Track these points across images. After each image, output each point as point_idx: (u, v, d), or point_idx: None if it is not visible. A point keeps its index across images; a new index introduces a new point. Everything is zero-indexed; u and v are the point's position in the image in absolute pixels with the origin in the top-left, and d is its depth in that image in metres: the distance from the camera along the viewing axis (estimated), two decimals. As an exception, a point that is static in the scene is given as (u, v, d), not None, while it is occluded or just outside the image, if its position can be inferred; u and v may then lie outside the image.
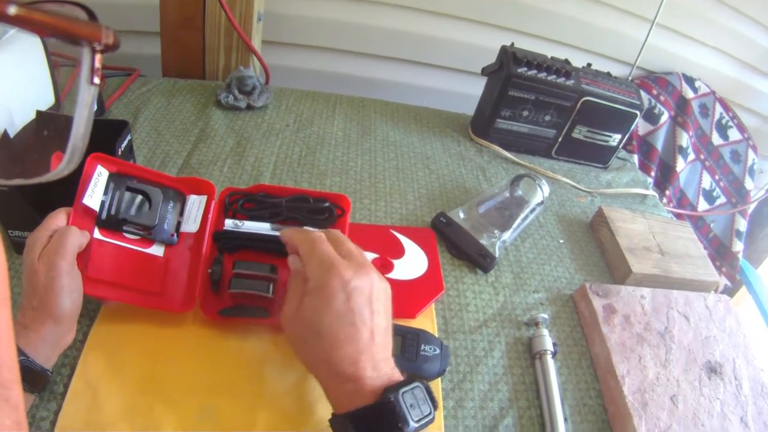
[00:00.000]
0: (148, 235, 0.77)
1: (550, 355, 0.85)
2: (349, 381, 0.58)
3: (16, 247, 0.84)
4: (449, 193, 1.16)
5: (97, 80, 0.34)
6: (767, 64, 2.10)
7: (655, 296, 0.99)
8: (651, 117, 1.89)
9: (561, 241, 1.12)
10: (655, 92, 1.87)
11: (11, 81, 0.88)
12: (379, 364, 0.59)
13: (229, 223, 0.81)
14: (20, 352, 0.60)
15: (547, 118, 1.30)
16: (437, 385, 0.78)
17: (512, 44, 1.29)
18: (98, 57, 0.34)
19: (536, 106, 1.28)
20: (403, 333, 0.78)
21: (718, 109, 2.06)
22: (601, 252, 1.13)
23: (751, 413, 0.86)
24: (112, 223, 0.75)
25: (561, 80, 1.25)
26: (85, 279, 0.67)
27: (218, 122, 1.21)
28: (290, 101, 1.33)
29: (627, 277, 1.03)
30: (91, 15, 0.35)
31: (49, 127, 0.82)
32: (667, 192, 1.91)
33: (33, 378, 0.61)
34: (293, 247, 0.68)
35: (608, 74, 1.35)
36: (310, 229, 0.72)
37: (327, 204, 0.86)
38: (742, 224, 2.16)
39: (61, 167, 0.37)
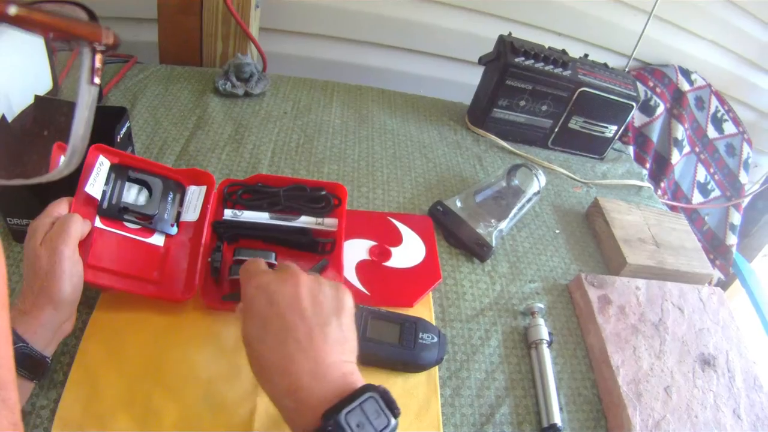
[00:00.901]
0: (149, 224, 0.78)
1: (546, 345, 0.86)
2: (286, 395, 0.51)
3: (15, 235, 0.84)
4: (446, 181, 1.17)
5: (97, 80, 0.34)
6: (764, 58, 2.10)
7: (649, 287, 0.99)
8: (647, 109, 1.89)
9: (557, 231, 1.13)
10: (651, 84, 1.88)
11: (8, 65, 0.87)
12: (322, 370, 0.52)
13: (228, 213, 0.83)
14: (19, 338, 0.60)
15: (544, 108, 1.31)
16: (435, 373, 0.79)
17: (510, 34, 1.30)
18: (98, 57, 0.34)
19: (533, 96, 1.28)
20: (401, 321, 0.78)
21: (714, 102, 2.06)
22: (596, 243, 1.14)
23: (744, 406, 0.87)
24: (113, 212, 0.76)
25: (558, 70, 1.26)
26: (86, 267, 0.68)
27: (216, 109, 1.21)
28: (288, 88, 1.33)
29: (622, 268, 1.04)
30: (91, 15, 0.35)
31: (47, 112, 0.82)
32: (662, 184, 1.92)
33: (33, 365, 0.61)
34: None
35: (605, 65, 1.35)
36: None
37: (324, 193, 0.88)
38: (736, 218, 2.17)
39: (60, 167, 0.37)
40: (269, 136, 1.16)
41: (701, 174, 2.06)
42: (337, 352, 0.54)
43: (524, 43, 1.26)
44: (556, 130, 1.35)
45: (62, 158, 0.37)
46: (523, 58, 1.23)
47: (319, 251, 0.85)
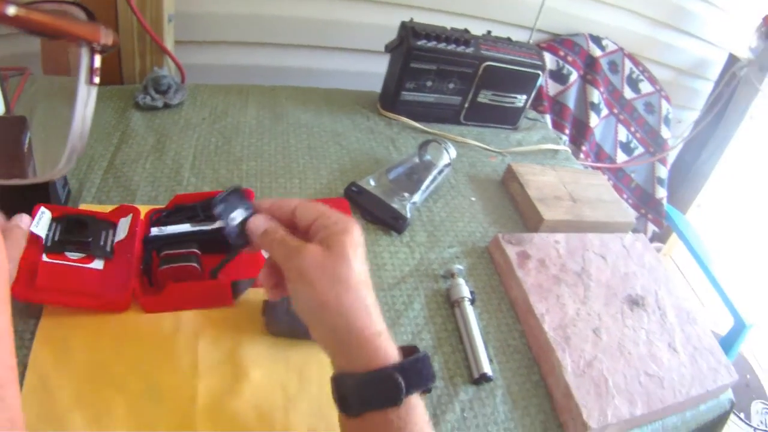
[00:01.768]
0: (87, 251, 0.84)
1: (468, 302, 0.91)
2: (360, 343, 0.55)
3: None
4: (360, 165, 1.22)
5: (96, 80, 0.35)
6: (674, 17, 2.19)
7: (569, 240, 1.04)
8: (560, 77, 1.97)
9: (473, 198, 1.19)
10: (561, 53, 1.95)
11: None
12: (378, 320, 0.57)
13: (153, 230, 0.88)
14: None
15: (451, 86, 1.37)
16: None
17: (411, 19, 1.35)
18: (97, 57, 0.35)
19: (439, 75, 1.34)
20: None
21: (628, 64, 2.15)
22: (513, 206, 1.19)
23: (679, 339, 0.92)
24: (55, 246, 0.82)
25: (461, 48, 1.32)
26: (33, 289, 0.75)
27: (138, 123, 1.24)
28: (205, 96, 1.37)
29: (539, 225, 1.10)
30: (90, 15, 0.36)
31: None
32: (584, 148, 1.99)
33: None
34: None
35: (508, 39, 1.42)
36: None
37: None
38: (663, 172, 2.26)
39: (60, 167, 0.38)
40: (189, 142, 1.20)
41: (622, 134, 2.15)
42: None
43: (426, 27, 1.32)
44: (467, 105, 1.42)
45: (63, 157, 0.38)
46: (425, 41, 1.29)
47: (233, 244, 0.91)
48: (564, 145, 1.49)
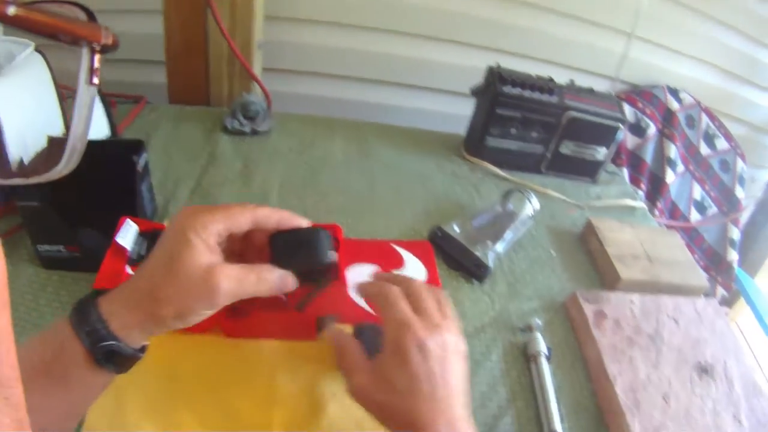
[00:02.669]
0: None
1: (545, 358, 0.89)
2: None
3: (44, 262, 0.89)
4: (445, 209, 1.21)
5: (96, 80, 0.35)
6: (751, 72, 2.13)
7: (644, 301, 1.02)
8: (638, 130, 1.93)
9: (552, 252, 1.17)
10: (640, 105, 1.92)
11: (24, 108, 0.93)
12: (457, 425, 0.58)
13: None
14: (110, 335, 0.54)
15: (534, 134, 1.36)
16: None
17: (498, 64, 1.34)
18: (97, 57, 0.35)
19: (523, 123, 1.33)
20: None
21: (704, 119, 2.10)
22: (590, 261, 1.17)
23: (744, 411, 0.88)
24: (140, 260, 0.82)
25: (545, 97, 1.31)
26: None
27: (225, 146, 1.26)
28: (293, 126, 1.38)
29: (616, 284, 1.07)
30: (91, 15, 0.36)
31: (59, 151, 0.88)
32: (659, 204, 1.94)
33: (121, 361, 0.57)
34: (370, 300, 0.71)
35: (590, 89, 1.40)
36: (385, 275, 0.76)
37: None
38: (735, 233, 2.19)
39: (60, 167, 0.39)
40: (276, 171, 1.21)
41: (697, 192, 2.09)
42: (467, 408, 0.61)
43: (512, 73, 1.31)
44: (548, 155, 1.40)
45: (63, 158, 0.38)
46: (511, 87, 1.29)
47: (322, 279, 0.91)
48: (641, 202, 1.46)
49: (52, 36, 0.31)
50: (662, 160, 1.97)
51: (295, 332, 0.85)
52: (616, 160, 1.85)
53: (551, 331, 0.99)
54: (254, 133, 1.31)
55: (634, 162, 1.94)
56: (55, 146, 0.90)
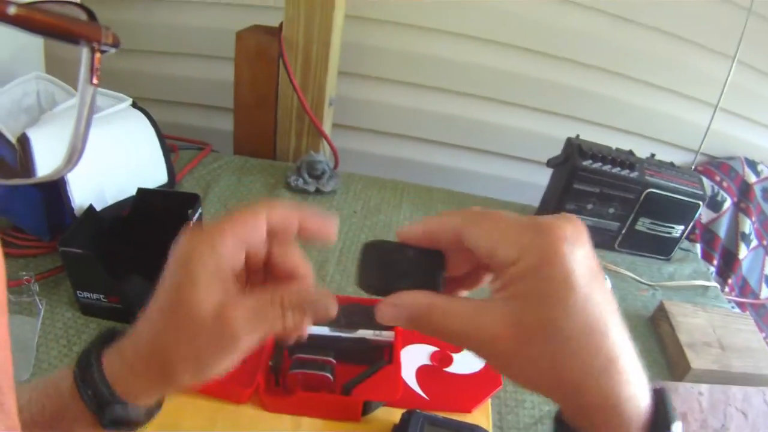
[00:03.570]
0: None
1: None
2: (600, 410, 0.39)
3: (84, 308, 0.88)
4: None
5: (95, 80, 0.34)
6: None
7: (712, 393, 0.96)
8: (714, 204, 1.86)
9: (623, 337, 1.11)
10: (717, 178, 1.85)
11: (131, 155, 0.95)
12: (634, 375, 0.39)
13: None
14: (115, 398, 0.46)
15: (611, 210, 1.31)
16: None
17: (577, 136, 1.30)
18: (97, 57, 0.34)
19: (601, 198, 1.28)
20: (457, 428, 0.78)
21: (782, 192, 2.02)
22: (660, 347, 1.12)
23: None
24: None
25: (625, 172, 1.26)
26: None
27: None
28: (358, 187, 1.36)
29: (686, 374, 1.02)
30: (91, 15, 0.35)
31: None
32: (730, 280, 1.87)
33: (126, 424, 0.48)
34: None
35: (671, 164, 1.35)
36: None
37: None
38: (806, 313, 2.09)
39: (60, 167, 0.37)
40: (338, 235, 1.16)
41: (770, 267, 2.01)
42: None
43: (592, 146, 1.27)
44: (623, 232, 1.35)
45: (63, 157, 0.36)
46: (590, 161, 1.24)
47: (377, 359, 0.86)
48: (713, 280, 1.39)
49: (52, 36, 0.31)
50: (736, 234, 1.89)
51: (339, 413, 0.81)
52: (689, 235, 1.78)
53: None
54: (318, 192, 1.29)
55: (708, 237, 1.87)
56: (143, 196, 0.94)
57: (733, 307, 1.35)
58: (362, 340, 0.87)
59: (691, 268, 1.41)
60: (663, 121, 1.75)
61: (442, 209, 1.33)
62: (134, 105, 1.11)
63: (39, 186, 0.91)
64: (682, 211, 1.33)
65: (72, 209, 0.95)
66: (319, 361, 0.80)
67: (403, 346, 0.91)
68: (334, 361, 0.81)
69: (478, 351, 0.40)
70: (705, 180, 1.82)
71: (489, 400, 0.89)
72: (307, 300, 0.45)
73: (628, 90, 1.66)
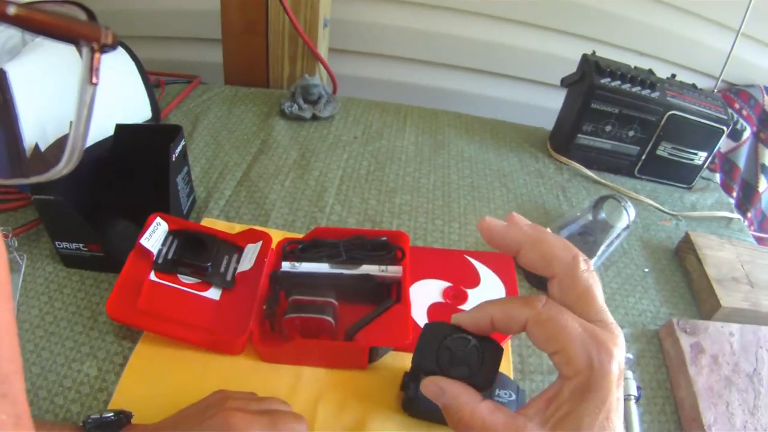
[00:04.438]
0: (204, 277, 0.78)
1: (634, 401, 0.78)
2: None
3: (65, 260, 0.84)
4: (528, 214, 1.09)
5: (95, 80, 0.35)
6: None
7: (743, 333, 0.90)
8: (734, 133, 1.78)
9: (646, 269, 1.04)
10: (737, 106, 1.77)
11: (109, 93, 0.89)
12: None
13: (286, 266, 0.80)
14: None
15: (631, 133, 1.22)
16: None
17: (594, 53, 1.22)
18: (97, 56, 0.35)
19: (620, 120, 1.20)
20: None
21: (803, 122, 1.94)
22: (687, 282, 1.05)
23: None
24: (167, 266, 0.77)
25: (646, 92, 1.18)
26: (132, 310, 0.69)
27: (281, 133, 1.17)
28: (358, 112, 1.29)
29: (715, 312, 0.95)
30: (91, 15, 0.36)
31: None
32: (749, 214, 1.80)
33: None
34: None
35: (693, 86, 1.27)
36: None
37: (385, 239, 0.84)
38: (827, 248, 2.03)
39: (60, 167, 0.38)
40: (337, 163, 1.11)
41: (790, 202, 1.94)
42: None
43: (610, 63, 1.19)
44: (644, 157, 1.26)
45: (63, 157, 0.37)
46: (609, 79, 1.16)
47: (384, 298, 0.79)
48: (736, 213, 1.31)
49: (53, 35, 0.32)
50: (756, 166, 1.81)
51: (342, 361, 0.75)
52: (709, 164, 1.70)
53: (641, 366, 0.87)
54: (315, 118, 1.22)
55: (727, 167, 1.79)
56: (122, 133, 0.89)
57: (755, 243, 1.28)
58: (366, 277, 0.81)
59: (713, 198, 1.34)
60: (682, 44, 1.66)
61: (449, 133, 1.26)
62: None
63: (3, 127, 0.85)
64: (706, 137, 1.25)
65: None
66: (319, 303, 0.74)
67: (413, 282, 0.85)
68: (335, 302, 0.75)
69: None
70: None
71: (509, 342, 0.84)
72: None
73: (646, 10, 1.58)
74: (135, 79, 1.05)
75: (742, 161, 1.79)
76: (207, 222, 0.93)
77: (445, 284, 0.87)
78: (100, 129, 0.91)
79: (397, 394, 0.72)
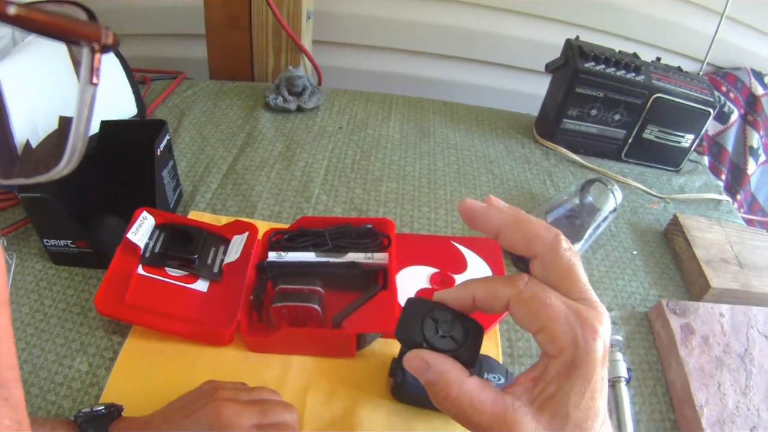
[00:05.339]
0: (191, 269, 0.78)
1: (624, 382, 0.79)
2: None
3: (54, 257, 0.84)
4: (515, 199, 1.10)
5: (96, 80, 0.34)
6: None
7: (734, 314, 0.91)
8: (721, 116, 1.78)
9: (634, 252, 1.05)
10: (724, 89, 1.77)
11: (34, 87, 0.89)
12: None
13: (272, 255, 0.80)
14: None
15: (617, 117, 1.22)
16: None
17: (577, 37, 1.22)
18: (97, 57, 0.34)
19: (605, 104, 1.20)
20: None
21: (789, 106, 1.95)
22: (676, 264, 1.05)
23: None
24: (154, 259, 0.78)
25: (631, 76, 1.18)
26: (121, 305, 0.69)
27: (266, 125, 1.17)
28: (343, 102, 1.29)
29: (705, 293, 0.96)
30: (91, 15, 0.35)
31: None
32: (738, 196, 1.81)
33: None
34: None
35: (679, 69, 1.27)
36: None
37: (370, 227, 0.84)
38: (819, 230, 2.03)
39: (60, 167, 0.36)
40: (323, 153, 1.11)
41: (779, 184, 1.94)
42: None
43: (593, 47, 1.19)
44: (630, 140, 1.27)
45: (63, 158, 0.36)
46: (593, 63, 1.16)
47: (370, 286, 0.79)
48: (725, 195, 1.32)
49: (52, 36, 0.31)
50: (744, 148, 1.82)
51: (330, 349, 0.76)
52: (697, 147, 1.70)
53: (632, 348, 0.87)
54: (300, 110, 1.22)
55: (715, 150, 1.80)
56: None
57: (744, 225, 1.29)
58: (352, 265, 0.81)
59: (701, 180, 1.34)
60: (666, 28, 1.67)
61: (434, 121, 1.26)
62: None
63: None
64: (692, 119, 1.25)
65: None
66: (305, 291, 0.75)
67: (399, 269, 0.85)
68: (321, 290, 0.76)
69: None
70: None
71: (497, 326, 0.84)
72: None
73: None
74: (120, 77, 1.05)
75: (730, 144, 1.79)
76: (194, 215, 0.93)
77: (432, 270, 0.87)
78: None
79: (386, 380, 0.72)
